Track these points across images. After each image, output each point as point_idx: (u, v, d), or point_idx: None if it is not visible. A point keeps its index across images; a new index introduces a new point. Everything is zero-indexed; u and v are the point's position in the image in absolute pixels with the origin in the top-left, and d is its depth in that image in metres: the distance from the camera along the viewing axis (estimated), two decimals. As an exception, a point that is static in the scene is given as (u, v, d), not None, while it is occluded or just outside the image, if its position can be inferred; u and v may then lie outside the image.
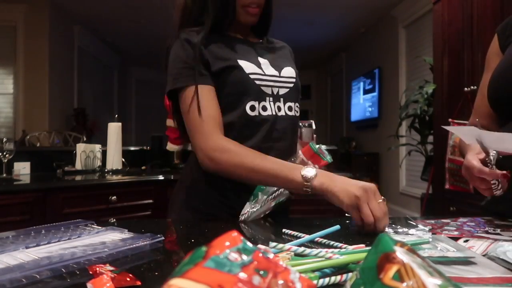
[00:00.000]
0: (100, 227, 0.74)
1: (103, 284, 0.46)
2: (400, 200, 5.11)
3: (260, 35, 1.11)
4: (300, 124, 2.93)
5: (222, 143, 0.90)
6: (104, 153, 2.61)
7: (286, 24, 5.98)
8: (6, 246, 0.61)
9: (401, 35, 5.12)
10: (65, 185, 2.11)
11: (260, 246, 0.54)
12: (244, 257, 0.29)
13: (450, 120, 2.38)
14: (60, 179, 2.25)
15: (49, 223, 0.75)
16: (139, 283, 0.48)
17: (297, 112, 1.04)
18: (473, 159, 0.82)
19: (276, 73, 1.01)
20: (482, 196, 0.88)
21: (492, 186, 0.79)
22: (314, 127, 2.93)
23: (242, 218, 0.91)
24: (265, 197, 0.92)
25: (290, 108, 1.01)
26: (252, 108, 0.96)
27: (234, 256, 0.29)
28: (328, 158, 0.95)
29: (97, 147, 2.62)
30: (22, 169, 2.37)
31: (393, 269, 0.29)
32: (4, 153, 2.22)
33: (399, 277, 0.28)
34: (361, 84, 6.40)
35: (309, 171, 0.81)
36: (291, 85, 1.03)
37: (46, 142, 3.78)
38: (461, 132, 0.88)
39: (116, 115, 2.94)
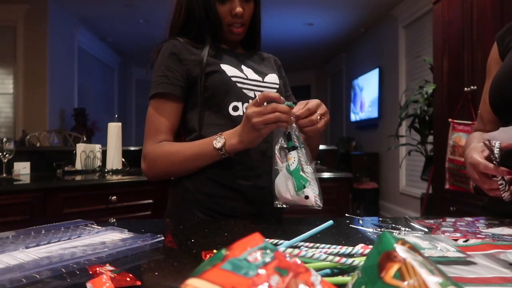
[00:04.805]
0: (100, 227, 0.74)
1: (103, 284, 0.45)
2: (400, 200, 5.11)
3: (249, 49, 1.16)
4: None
5: (151, 150, 1.01)
6: (104, 153, 2.61)
7: (286, 24, 5.98)
8: (6, 246, 0.60)
9: (401, 35, 5.12)
10: (65, 185, 2.11)
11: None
12: (266, 256, 0.30)
13: (450, 120, 2.38)
14: (60, 179, 2.25)
15: (49, 223, 0.75)
16: (139, 283, 0.48)
17: None
18: (478, 156, 0.82)
19: (259, 78, 1.06)
20: (482, 196, 0.88)
21: (500, 187, 0.78)
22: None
23: (318, 202, 0.80)
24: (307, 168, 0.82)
25: None
26: (235, 108, 1.00)
27: (254, 256, 0.29)
28: None
29: (97, 147, 2.62)
30: (22, 169, 2.37)
31: (394, 268, 0.29)
32: (4, 153, 2.22)
33: (400, 275, 0.28)
34: (361, 84, 6.40)
35: (217, 142, 0.89)
36: (274, 90, 1.07)
37: (46, 142, 3.77)
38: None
39: (116, 115, 2.94)
